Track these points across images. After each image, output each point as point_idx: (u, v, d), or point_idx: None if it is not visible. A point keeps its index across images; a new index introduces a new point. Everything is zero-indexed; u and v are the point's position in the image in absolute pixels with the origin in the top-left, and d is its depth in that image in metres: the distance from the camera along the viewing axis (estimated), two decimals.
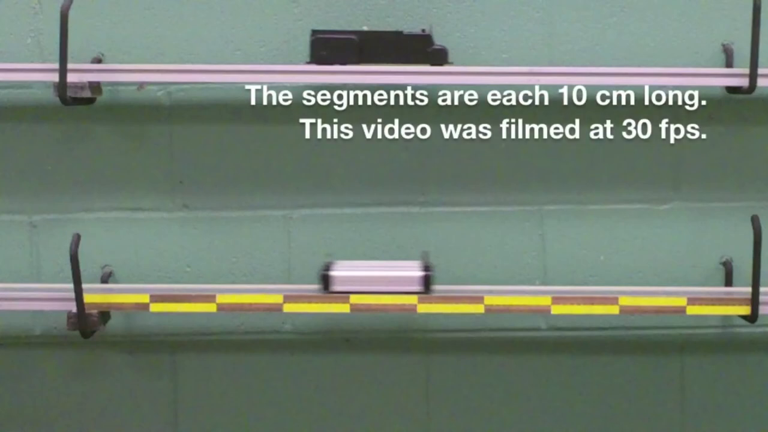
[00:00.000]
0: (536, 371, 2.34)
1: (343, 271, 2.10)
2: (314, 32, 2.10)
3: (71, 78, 2.06)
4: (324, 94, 2.22)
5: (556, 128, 2.25)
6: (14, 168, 2.25)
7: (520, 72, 2.10)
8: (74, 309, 2.07)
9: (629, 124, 2.25)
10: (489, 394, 2.35)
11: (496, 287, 2.16)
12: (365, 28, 2.18)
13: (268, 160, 2.25)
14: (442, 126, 2.24)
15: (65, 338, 2.23)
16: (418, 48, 2.09)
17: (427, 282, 2.08)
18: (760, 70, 2.08)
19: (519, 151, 2.25)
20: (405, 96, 2.23)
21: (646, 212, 2.28)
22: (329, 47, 2.08)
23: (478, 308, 2.09)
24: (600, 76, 2.11)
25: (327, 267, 2.11)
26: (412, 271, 2.10)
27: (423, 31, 2.11)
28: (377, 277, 2.09)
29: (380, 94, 2.21)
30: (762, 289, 2.10)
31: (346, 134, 2.24)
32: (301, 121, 2.22)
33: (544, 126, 2.24)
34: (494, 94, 2.20)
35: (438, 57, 2.10)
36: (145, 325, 2.29)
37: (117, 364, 2.32)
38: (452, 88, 2.20)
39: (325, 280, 2.08)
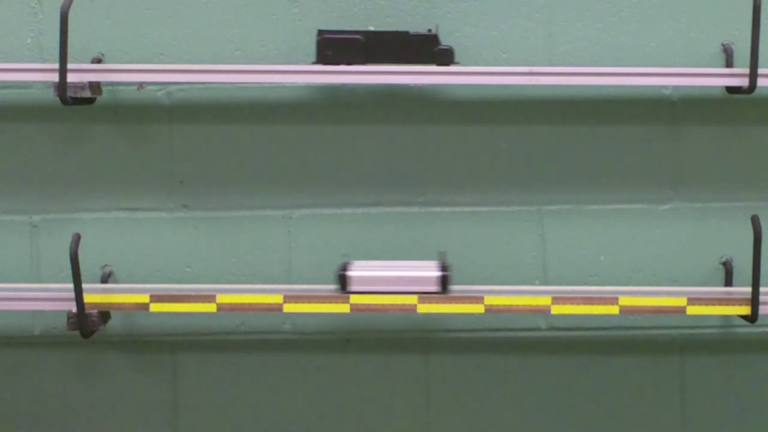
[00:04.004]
0: (536, 371, 2.34)
1: (360, 272, 2.09)
2: (320, 32, 2.09)
3: (71, 78, 2.06)
4: (324, 94, 2.23)
5: (557, 128, 2.25)
6: (14, 168, 2.25)
7: (520, 72, 2.10)
8: (74, 309, 2.07)
9: (629, 124, 2.25)
10: (489, 394, 2.35)
11: (496, 287, 2.16)
12: (371, 29, 2.18)
13: (268, 160, 2.25)
14: (443, 126, 2.25)
15: (65, 338, 2.23)
16: (425, 48, 2.09)
17: (444, 282, 2.08)
18: (760, 70, 2.08)
19: (519, 151, 2.26)
20: (405, 96, 2.23)
21: (646, 212, 2.28)
22: (335, 47, 2.08)
23: (478, 308, 2.09)
24: (600, 76, 2.11)
25: (344, 267, 2.10)
26: (430, 271, 2.10)
27: (429, 31, 2.10)
28: (394, 278, 2.08)
29: (381, 94, 2.22)
30: (762, 289, 2.10)
31: (346, 134, 2.24)
32: (301, 121, 2.23)
33: (544, 126, 2.25)
34: (494, 94, 2.21)
35: (444, 57, 2.09)
36: (145, 325, 2.29)
37: (117, 364, 2.32)
38: (451, 88, 2.21)
39: (343, 280, 2.08)
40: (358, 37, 2.08)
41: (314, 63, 2.10)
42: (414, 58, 2.09)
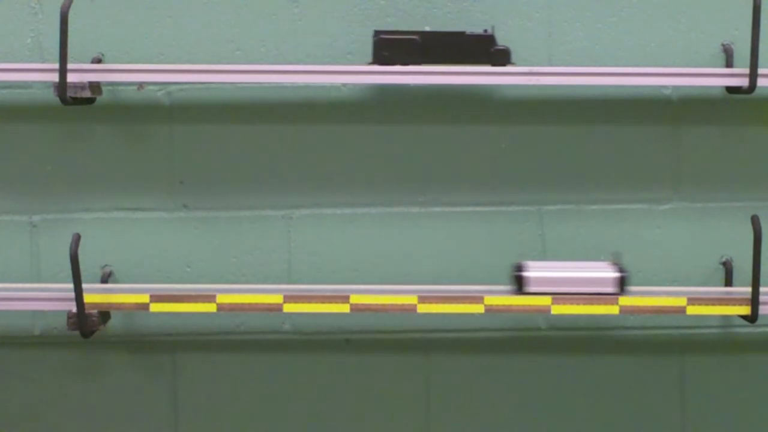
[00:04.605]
0: (536, 371, 2.34)
1: (538, 272, 2.09)
2: (377, 33, 2.09)
3: (71, 78, 2.06)
4: (324, 94, 2.23)
5: (557, 128, 2.25)
6: (14, 168, 2.25)
7: (520, 72, 2.10)
8: (74, 309, 2.07)
9: (629, 124, 2.25)
10: (489, 394, 2.34)
11: (496, 287, 2.16)
12: (427, 29, 2.17)
13: (268, 160, 2.25)
14: (442, 126, 2.25)
15: (65, 338, 2.23)
16: (481, 48, 2.07)
17: (622, 283, 2.07)
18: (760, 70, 2.08)
19: (519, 151, 2.26)
20: (405, 96, 2.23)
21: (646, 212, 2.28)
22: (392, 47, 2.07)
23: (478, 308, 2.09)
24: (600, 76, 2.11)
25: (520, 268, 2.10)
26: (607, 272, 2.09)
27: (485, 31, 2.10)
28: (572, 278, 2.08)
29: (381, 94, 2.22)
30: (762, 289, 2.10)
31: (346, 134, 2.24)
32: (300, 120, 2.23)
33: (544, 126, 2.25)
34: (494, 94, 2.21)
35: (501, 57, 2.08)
36: (145, 325, 2.29)
37: (117, 364, 2.32)
38: (450, 88, 2.21)
39: (520, 281, 2.08)
40: (414, 37, 2.07)
41: (370, 63, 2.09)
42: (470, 58, 2.07)
